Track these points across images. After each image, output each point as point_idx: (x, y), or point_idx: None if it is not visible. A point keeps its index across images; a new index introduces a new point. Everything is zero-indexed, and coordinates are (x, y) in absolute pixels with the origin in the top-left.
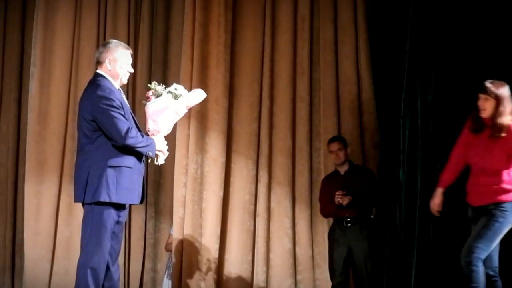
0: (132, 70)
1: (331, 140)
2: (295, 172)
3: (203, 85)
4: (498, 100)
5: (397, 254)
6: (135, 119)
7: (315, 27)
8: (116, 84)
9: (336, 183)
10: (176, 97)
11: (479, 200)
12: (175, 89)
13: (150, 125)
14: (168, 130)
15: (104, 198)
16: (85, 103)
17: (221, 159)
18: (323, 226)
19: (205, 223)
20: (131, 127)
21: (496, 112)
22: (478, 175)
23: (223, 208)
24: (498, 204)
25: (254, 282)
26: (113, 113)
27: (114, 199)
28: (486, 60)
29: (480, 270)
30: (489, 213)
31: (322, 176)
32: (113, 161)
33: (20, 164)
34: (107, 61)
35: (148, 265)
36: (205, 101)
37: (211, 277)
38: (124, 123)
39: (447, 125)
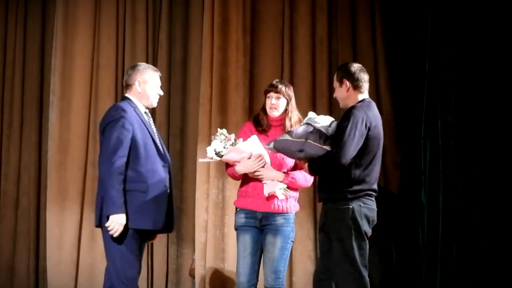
0: (161, 93)
1: None
2: (315, 195)
3: (223, 110)
4: None
5: (420, 276)
6: (162, 142)
7: (333, 49)
8: (142, 107)
9: None
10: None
11: None
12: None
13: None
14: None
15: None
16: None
17: None
18: None
19: (227, 248)
20: (123, 155)
21: None
22: None
23: None
24: None
25: None
26: (110, 134)
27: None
28: (506, 78)
29: None
30: None
31: None
32: (126, 185)
33: (42, 192)
34: (136, 83)
35: None
36: (224, 125)
37: None
38: (117, 145)
39: (468, 145)
